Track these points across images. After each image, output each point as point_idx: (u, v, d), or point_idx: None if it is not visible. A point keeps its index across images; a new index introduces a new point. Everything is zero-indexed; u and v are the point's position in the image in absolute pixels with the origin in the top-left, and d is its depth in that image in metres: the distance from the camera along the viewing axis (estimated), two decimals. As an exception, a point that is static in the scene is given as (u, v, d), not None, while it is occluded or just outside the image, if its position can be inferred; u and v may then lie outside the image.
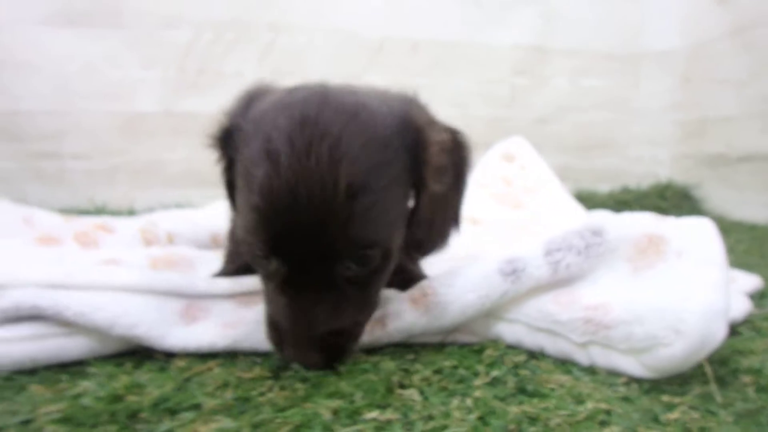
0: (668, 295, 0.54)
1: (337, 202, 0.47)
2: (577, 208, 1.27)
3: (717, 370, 0.54)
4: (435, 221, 0.59)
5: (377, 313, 0.59)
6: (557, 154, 1.91)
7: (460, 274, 0.60)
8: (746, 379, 0.53)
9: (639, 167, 2.01)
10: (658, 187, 1.91)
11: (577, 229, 0.63)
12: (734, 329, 0.66)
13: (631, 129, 2.01)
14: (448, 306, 0.59)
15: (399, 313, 0.59)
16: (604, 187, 1.92)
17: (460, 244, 0.94)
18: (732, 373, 0.55)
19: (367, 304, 0.56)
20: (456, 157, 0.60)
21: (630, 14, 1.92)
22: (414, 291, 0.60)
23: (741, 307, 0.70)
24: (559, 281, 0.61)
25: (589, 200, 1.79)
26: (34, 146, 1.43)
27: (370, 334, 0.58)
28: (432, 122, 0.58)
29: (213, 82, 1.54)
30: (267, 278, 0.53)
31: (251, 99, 0.57)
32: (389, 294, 0.62)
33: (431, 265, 0.73)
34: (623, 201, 1.83)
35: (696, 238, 0.58)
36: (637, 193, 1.88)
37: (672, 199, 1.84)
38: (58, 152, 1.45)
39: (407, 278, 0.65)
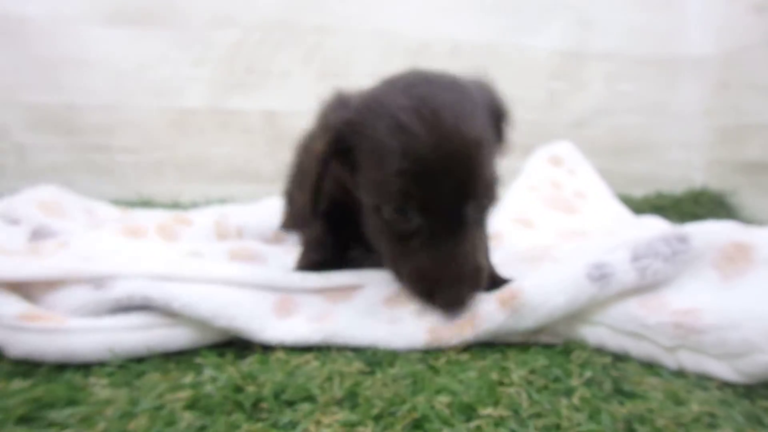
0: (763, 302, 0.54)
1: (470, 153, 0.57)
2: (627, 214, 1.27)
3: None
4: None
5: (466, 315, 0.60)
6: (593, 157, 1.90)
7: (549, 276, 0.61)
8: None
9: (674, 172, 2.00)
10: (693, 192, 1.89)
11: (662, 235, 0.63)
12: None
13: (667, 134, 2.00)
14: (537, 308, 0.60)
15: (489, 314, 0.60)
16: (638, 192, 1.91)
17: (519, 245, 0.96)
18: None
19: (485, 241, 0.67)
20: None
21: (666, 20, 1.92)
22: (503, 292, 0.61)
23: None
24: (644, 286, 0.62)
25: (625, 204, 1.78)
26: (86, 139, 1.46)
27: (460, 334, 0.59)
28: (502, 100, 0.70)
29: (260, 82, 1.56)
30: (407, 236, 0.60)
31: (343, 102, 0.63)
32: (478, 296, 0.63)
33: (501, 266, 0.73)
34: (658, 206, 1.81)
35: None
36: (671, 199, 1.87)
37: (707, 206, 1.83)
38: (109, 145, 1.48)
39: (493, 280, 0.66)
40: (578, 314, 0.62)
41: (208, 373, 0.49)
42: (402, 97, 0.58)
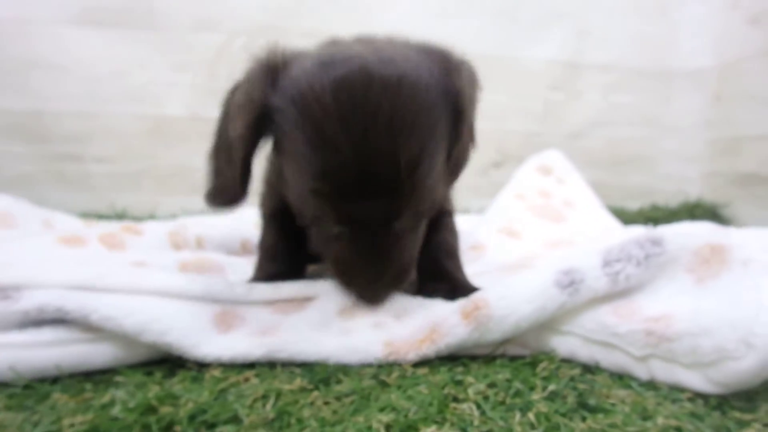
0: (737, 306, 0.50)
1: (400, 179, 0.51)
2: (616, 224, 1.23)
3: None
4: (461, 157, 0.65)
5: (426, 328, 0.56)
6: (589, 169, 1.87)
7: (513, 285, 0.57)
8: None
9: (669, 185, 1.98)
10: (688, 205, 1.87)
11: (636, 238, 0.59)
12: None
13: (662, 146, 1.99)
14: (502, 320, 0.55)
15: (451, 328, 0.55)
16: (633, 204, 1.89)
17: (503, 256, 0.92)
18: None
19: (419, 240, 0.62)
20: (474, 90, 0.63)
21: (662, 32, 1.91)
22: (465, 304, 0.56)
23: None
24: (617, 292, 0.57)
25: (619, 217, 1.73)
26: (58, 148, 1.42)
27: (418, 351, 0.55)
28: (469, 81, 0.60)
29: (243, 89, 1.53)
30: (329, 240, 0.57)
31: (271, 73, 0.55)
32: (438, 305, 0.59)
33: (478, 276, 0.69)
34: (653, 218, 1.78)
35: (763, 248, 0.55)
36: (666, 211, 1.84)
37: (702, 218, 1.79)
38: (82, 155, 1.43)
39: (454, 287, 0.62)
40: (548, 324, 0.58)
41: (121, 394, 0.44)
42: (332, 93, 0.50)
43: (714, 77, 1.86)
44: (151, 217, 1.39)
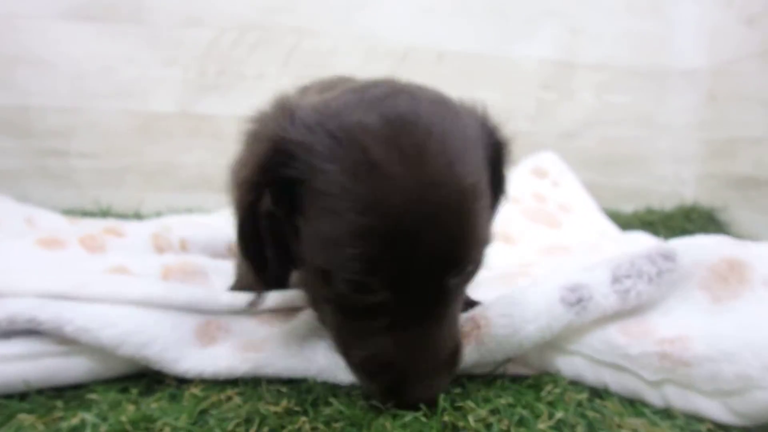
0: (761, 329, 0.47)
1: (464, 209, 0.42)
2: (612, 228, 1.20)
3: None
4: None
5: None
6: (582, 170, 1.84)
7: (517, 302, 0.53)
8: None
9: (663, 186, 1.96)
10: (683, 208, 1.84)
11: (646, 253, 0.56)
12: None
13: (657, 147, 1.97)
14: (505, 339, 0.52)
15: None
16: (627, 206, 1.86)
17: (498, 263, 0.88)
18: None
19: (461, 307, 0.50)
20: None
21: (656, 31, 1.89)
22: (465, 322, 0.53)
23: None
24: (627, 310, 0.54)
25: (613, 219, 1.71)
26: (42, 143, 1.37)
27: None
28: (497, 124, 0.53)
29: (233, 84, 1.48)
30: (366, 315, 0.44)
31: (287, 112, 0.46)
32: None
33: (475, 285, 0.66)
34: (648, 221, 1.76)
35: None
36: (661, 214, 1.82)
37: (697, 221, 1.77)
38: (66, 150, 1.39)
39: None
40: (551, 342, 0.54)
41: (91, 417, 0.40)
42: (374, 117, 0.42)
43: (709, 77, 1.84)
44: (136, 214, 1.35)
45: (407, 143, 0.41)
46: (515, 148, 1.48)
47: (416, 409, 0.43)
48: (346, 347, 0.47)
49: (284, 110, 0.46)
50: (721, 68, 1.80)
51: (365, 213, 0.40)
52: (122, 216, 1.27)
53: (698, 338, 0.48)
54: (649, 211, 1.86)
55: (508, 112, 1.80)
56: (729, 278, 0.53)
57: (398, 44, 1.62)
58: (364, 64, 1.58)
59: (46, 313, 0.45)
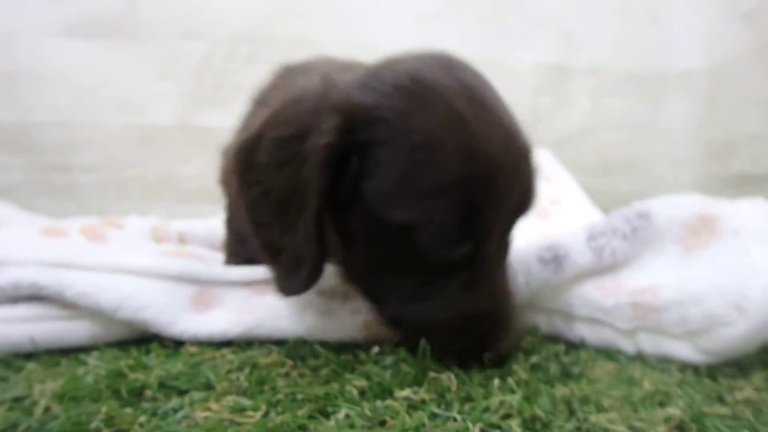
0: (727, 272, 0.49)
1: (530, 157, 0.48)
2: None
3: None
4: None
5: None
6: (578, 175, 1.85)
7: None
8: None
9: (662, 189, 1.94)
10: (682, 209, 1.85)
11: (622, 212, 0.59)
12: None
13: (654, 150, 1.96)
14: None
15: None
16: (625, 210, 1.86)
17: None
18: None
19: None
20: None
21: (652, 34, 1.89)
22: None
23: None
24: (602, 267, 0.56)
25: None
26: (45, 158, 1.41)
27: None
28: None
29: (229, 97, 1.52)
30: (443, 271, 0.45)
31: (335, 84, 0.46)
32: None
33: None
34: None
35: (753, 217, 0.54)
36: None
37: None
38: (69, 165, 1.43)
39: None
40: (530, 300, 0.57)
41: (93, 362, 0.43)
42: (450, 79, 0.45)
43: (706, 78, 1.84)
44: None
45: (486, 101, 0.45)
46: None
47: (501, 365, 0.45)
48: (416, 313, 0.46)
49: (330, 82, 0.46)
50: (719, 69, 1.80)
51: (465, 161, 0.41)
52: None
53: (668, 285, 0.51)
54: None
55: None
56: (701, 231, 0.55)
57: (392, 52, 1.66)
58: (358, 73, 1.62)
59: (47, 278, 0.48)
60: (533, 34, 1.78)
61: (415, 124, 0.42)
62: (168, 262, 0.55)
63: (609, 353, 0.53)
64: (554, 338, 0.56)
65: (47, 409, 0.35)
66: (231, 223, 0.70)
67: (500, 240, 0.47)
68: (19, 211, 0.94)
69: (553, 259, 0.56)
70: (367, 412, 0.35)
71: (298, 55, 1.56)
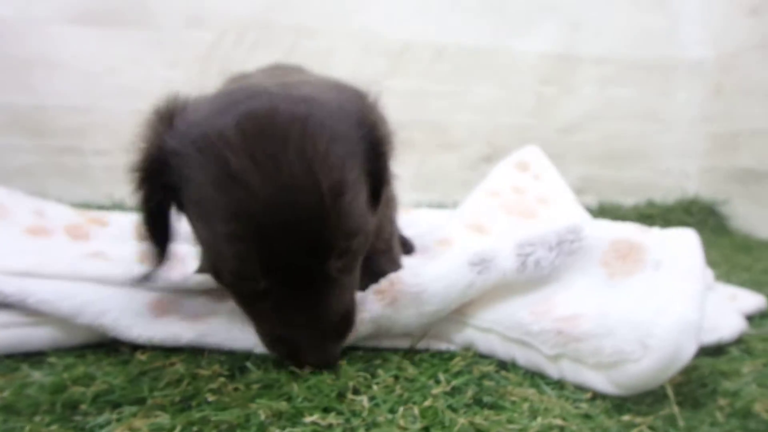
0: (641, 307, 0.51)
1: (324, 207, 0.46)
2: (589, 221, 1.23)
3: (694, 391, 0.52)
4: (387, 208, 0.63)
5: None
6: (583, 164, 1.86)
7: (427, 264, 0.60)
8: (722, 401, 0.50)
9: (666, 180, 1.93)
10: (684, 202, 1.84)
11: (555, 227, 0.61)
12: (723, 349, 0.62)
13: (660, 140, 1.94)
14: (415, 296, 0.57)
15: (362, 305, 0.57)
16: (629, 200, 1.86)
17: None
18: (709, 394, 0.52)
19: (355, 283, 0.57)
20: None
21: (660, 23, 1.86)
22: (381, 283, 0.59)
23: (733, 326, 0.65)
24: (530, 281, 0.59)
25: (613, 213, 1.73)
26: (57, 142, 1.48)
27: None
28: (380, 118, 0.57)
29: (234, 83, 1.57)
30: (256, 299, 0.51)
31: (170, 117, 0.51)
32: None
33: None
34: (648, 215, 1.76)
35: (676, 250, 0.56)
36: (662, 207, 1.82)
37: (697, 215, 1.77)
38: (81, 148, 1.50)
39: (380, 275, 0.64)
40: (470, 321, 0.60)
41: (38, 375, 0.48)
42: (232, 125, 0.46)
43: (714, 69, 1.82)
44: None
45: (263, 151, 0.45)
46: (516, 142, 1.49)
47: (319, 369, 0.51)
48: (251, 323, 0.54)
49: (164, 115, 0.51)
50: (727, 60, 1.78)
51: (230, 221, 0.45)
52: (134, 209, 1.37)
53: (588, 316, 0.53)
54: (650, 205, 1.86)
55: (507, 107, 1.83)
56: (627, 257, 0.57)
57: (396, 41, 1.67)
58: (363, 61, 1.63)
59: (11, 287, 0.53)
60: (539, 24, 1.77)
61: (194, 179, 0.47)
62: (128, 271, 0.59)
63: (534, 378, 0.55)
64: (490, 356, 0.59)
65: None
66: None
67: (303, 275, 0.49)
68: (21, 198, 0.99)
69: (480, 261, 0.59)
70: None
71: (302, 43, 1.59)
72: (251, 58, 1.57)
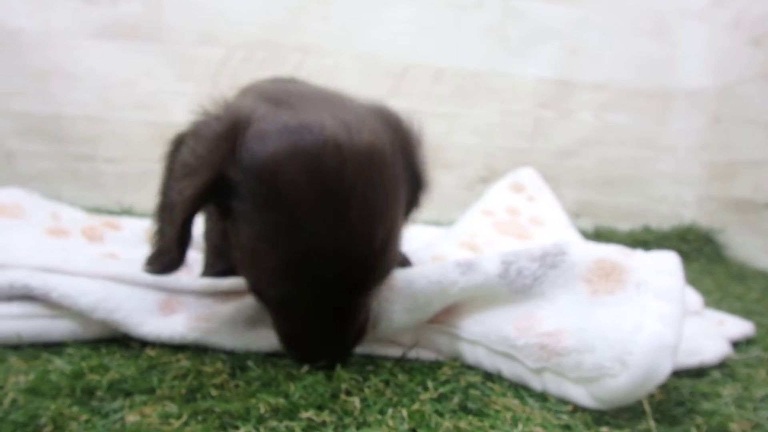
0: (620, 325, 0.54)
1: (374, 259, 0.51)
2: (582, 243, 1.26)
3: (672, 410, 0.55)
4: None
5: None
6: (579, 188, 1.89)
7: (417, 268, 0.64)
8: (699, 420, 0.53)
9: (663, 207, 1.96)
10: (680, 229, 1.85)
11: (541, 243, 0.64)
12: (705, 372, 0.66)
13: (657, 167, 1.97)
14: (402, 290, 0.61)
15: None
16: (624, 226, 1.88)
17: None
18: (687, 413, 0.55)
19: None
20: None
21: (659, 51, 1.89)
22: None
23: (716, 350, 0.69)
24: (514, 292, 0.62)
25: (608, 237, 1.76)
26: (72, 149, 1.54)
27: None
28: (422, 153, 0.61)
29: (243, 99, 1.62)
30: (291, 312, 0.55)
31: (234, 137, 0.50)
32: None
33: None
34: (643, 240, 1.79)
35: (658, 272, 0.59)
36: (657, 234, 1.84)
37: (694, 243, 1.79)
38: (94, 155, 1.55)
39: None
40: (457, 333, 0.63)
41: (60, 362, 0.52)
42: (305, 173, 0.47)
43: (713, 98, 1.85)
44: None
45: (330, 205, 0.48)
46: (513, 165, 1.52)
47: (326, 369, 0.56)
48: (273, 323, 0.58)
49: (229, 135, 0.50)
50: (726, 90, 1.81)
51: (286, 260, 0.49)
52: (142, 215, 1.41)
53: (570, 332, 0.57)
54: (646, 231, 1.88)
55: (504, 129, 1.87)
56: (610, 276, 0.60)
57: (398, 62, 1.73)
58: (365, 81, 1.69)
59: (37, 281, 0.57)
60: (538, 49, 1.82)
61: (258, 205, 0.49)
62: (141, 272, 0.63)
63: (518, 389, 0.58)
64: (476, 367, 0.63)
65: (14, 401, 0.44)
66: (209, 236, 0.76)
67: (336, 305, 0.53)
68: (39, 200, 1.04)
69: (466, 264, 0.63)
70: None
71: (308, 61, 1.64)
72: (259, 75, 1.62)
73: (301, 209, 0.47)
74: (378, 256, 0.51)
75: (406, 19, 1.71)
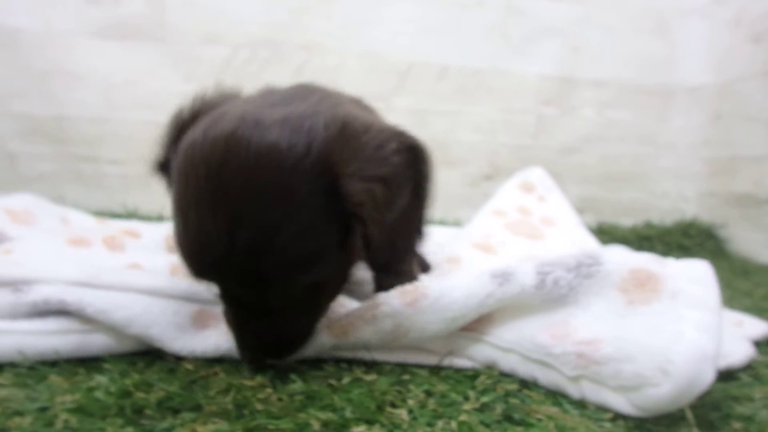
0: (659, 335, 0.55)
1: (237, 263, 0.48)
2: (593, 242, 1.26)
3: (708, 415, 0.55)
4: (396, 242, 0.57)
5: (368, 308, 0.61)
6: (581, 185, 1.90)
7: (452, 277, 0.64)
8: (737, 425, 0.54)
9: (664, 203, 1.98)
10: (682, 224, 1.87)
11: (573, 252, 0.65)
12: (733, 375, 0.66)
13: (659, 163, 1.99)
14: (436, 300, 0.61)
15: (388, 299, 0.61)
16: (627, 221, 1.90)
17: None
18: (723, 418, 0.55)
19: (312, 313, 0.59)
20: (413, 172, 0.57)
21: (660, 49, 1.91)
22: (406, 287, 0.62)
23: (742, 352, 0.70)
24: (548, 300, 0.62)
25: (610, 233, 1.77)
26: (75, 150, 1.51)
27: (359, 330, 0.60)
28: (365, 160, 0.52)
29: (247, 98, 1.61)
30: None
31: (182, 128, 0.57)
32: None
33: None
34: (646, 236, 1.80)
35: (692, 280, 0.59)
36: (660, 229, 1.85)
37: (696, 238, 1.81)
38: (97, 156, 1.53)
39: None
40: (490, 341, 0.63)
41: (104, 380, 0.51)
42: (192, 167, 0.48)
43: (714, 95, 1.87)
44: (159, 216, 1.47)
45: (203, 202, 0.47)
46: (515, 162, 1.54)
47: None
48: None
49: (176, 133, 0.59)
50: (727, 86, 1.83)
51: (180, 255, 0.52)
52: (147, 217, 1.40)
53: (607, 341, 0.57)
54: (648, 226, 1.90)
55: (507, 126, 1.88)
56: (645, 285, 0.60)
57: (401, 60, 1.72)
58: (369, 80, 1.69)
59: (72, 296, 0.57)
60: (540, 47, 1.82)
61: (172, 196, 0.52)
62: (175, 283, 0.63)
63: (556, 397, 0.59)
64: (511, 375, 0.63)
65: (66, 423, 0.43)
66: None
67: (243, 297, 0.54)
68: (47, 205, 1.02)
69: (501, 274, 0.63)
70: (323, 446, 0.43)
71: (312, 61, 1.63)
72: (263, 75, 1.62)
73: (177, 199, 0.50)
74: (243, 261, 0.48)
75: (409, 17, 1.71)
